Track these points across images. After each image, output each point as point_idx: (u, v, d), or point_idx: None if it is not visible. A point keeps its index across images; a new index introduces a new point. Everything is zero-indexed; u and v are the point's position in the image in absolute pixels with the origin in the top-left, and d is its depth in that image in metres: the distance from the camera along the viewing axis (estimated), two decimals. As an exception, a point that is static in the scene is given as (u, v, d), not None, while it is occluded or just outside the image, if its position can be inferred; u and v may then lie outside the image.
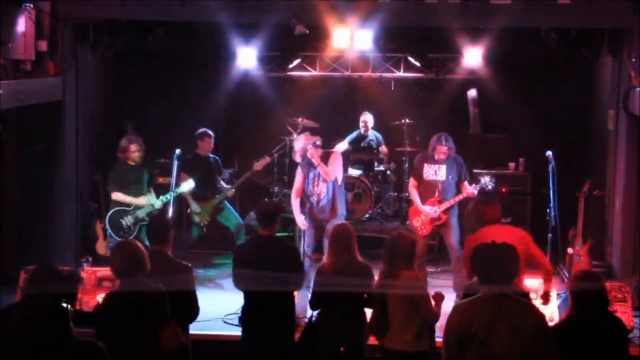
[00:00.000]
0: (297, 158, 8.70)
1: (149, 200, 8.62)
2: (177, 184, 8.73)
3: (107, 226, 8.70)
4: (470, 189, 8.51)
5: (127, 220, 8.59)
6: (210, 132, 9.61)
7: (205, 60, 11.55)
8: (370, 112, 11.53)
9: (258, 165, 9.64)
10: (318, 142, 8.55)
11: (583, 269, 7.97)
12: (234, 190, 9.66)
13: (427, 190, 8.68)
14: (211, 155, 9.67)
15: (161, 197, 8.66)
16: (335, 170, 8.44)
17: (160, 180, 9.81)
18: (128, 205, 8.60)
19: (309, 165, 8.48)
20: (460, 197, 8.56)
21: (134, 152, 8.64)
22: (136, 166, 8.69)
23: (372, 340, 6.13)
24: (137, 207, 8.59)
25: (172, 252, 5.96)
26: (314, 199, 8.41)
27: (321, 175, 8.38)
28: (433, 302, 5.82)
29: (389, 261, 5.85)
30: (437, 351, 5.01)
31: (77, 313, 5.70)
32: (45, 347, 4.89)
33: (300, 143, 8.57)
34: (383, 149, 11.41)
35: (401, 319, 5.75)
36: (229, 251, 10.10)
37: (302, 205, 8.44)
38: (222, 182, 9.76)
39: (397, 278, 5.75)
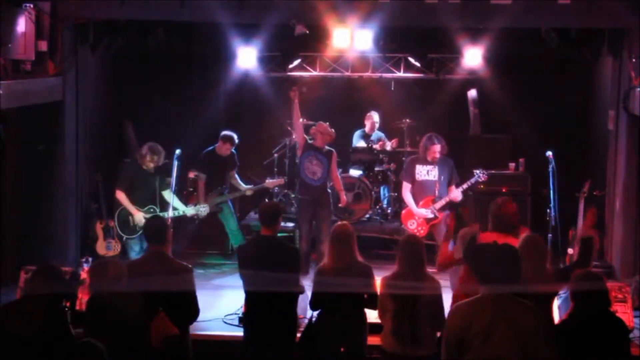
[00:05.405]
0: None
1: (140, 218, 8.57)
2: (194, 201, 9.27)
3: (116, 223, 8.75)
4: (454, 193, 8.63)
5: (134, 220, 8.62)
6: (235, 140, 9.53)
7: (205, 60, 11.53)
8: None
9: (270, 183, 9.86)
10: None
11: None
12: (248, 191, 9.63)
13: (420, 190, 8.79)
14: None
15: (175, 211, 8.65)
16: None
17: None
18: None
19: (312, 147, 9.18)
20: (447, 199, 8.71)
21: (149, 162, 8.65)
22: (148, 171, 8.70)
23: (372, 341, 6.12)
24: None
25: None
26: (310, 178, 9.05)
27: (318, 159, 9.07)
28: None
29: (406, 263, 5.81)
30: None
31: (76, 313, 5.71)
32: (43, 345, 4.90)
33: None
34: (392, 143, 11.44)
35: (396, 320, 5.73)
36: (226, 252, 10.13)
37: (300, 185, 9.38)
38: (239, 180, 9.71)
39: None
